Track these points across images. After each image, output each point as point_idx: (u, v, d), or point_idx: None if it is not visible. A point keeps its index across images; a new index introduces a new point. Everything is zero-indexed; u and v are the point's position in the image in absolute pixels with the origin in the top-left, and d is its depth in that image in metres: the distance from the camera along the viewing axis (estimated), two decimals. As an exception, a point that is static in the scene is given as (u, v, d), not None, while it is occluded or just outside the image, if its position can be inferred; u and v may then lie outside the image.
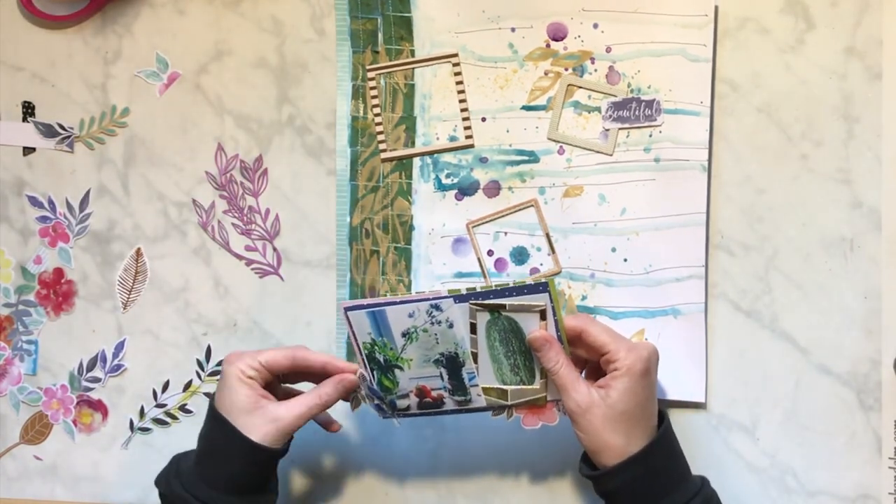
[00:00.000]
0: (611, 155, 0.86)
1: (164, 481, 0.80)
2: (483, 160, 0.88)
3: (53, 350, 0.95)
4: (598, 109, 0.86)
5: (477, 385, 0.80)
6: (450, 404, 0.81)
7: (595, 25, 0.86)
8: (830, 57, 0.84)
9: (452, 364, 0.79)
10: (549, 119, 0.87)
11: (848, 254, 0.84)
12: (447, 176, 0.89)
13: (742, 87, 0.85)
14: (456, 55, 0.88)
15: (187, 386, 0.93)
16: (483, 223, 0.88)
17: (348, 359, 0.89)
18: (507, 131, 0.88)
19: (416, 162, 0.89)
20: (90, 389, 0.94)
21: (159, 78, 0.93)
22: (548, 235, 0.88)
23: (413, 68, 0.89)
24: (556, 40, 0.87)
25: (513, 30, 0.87)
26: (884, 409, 0.84)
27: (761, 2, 0.85)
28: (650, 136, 0.85)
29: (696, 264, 0.85)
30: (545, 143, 0.87)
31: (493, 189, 0.88)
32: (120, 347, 0.94)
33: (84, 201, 0.94)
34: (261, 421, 0.78)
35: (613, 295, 0.87)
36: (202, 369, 0.93)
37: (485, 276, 0.88)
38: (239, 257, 0.92)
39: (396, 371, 0.80)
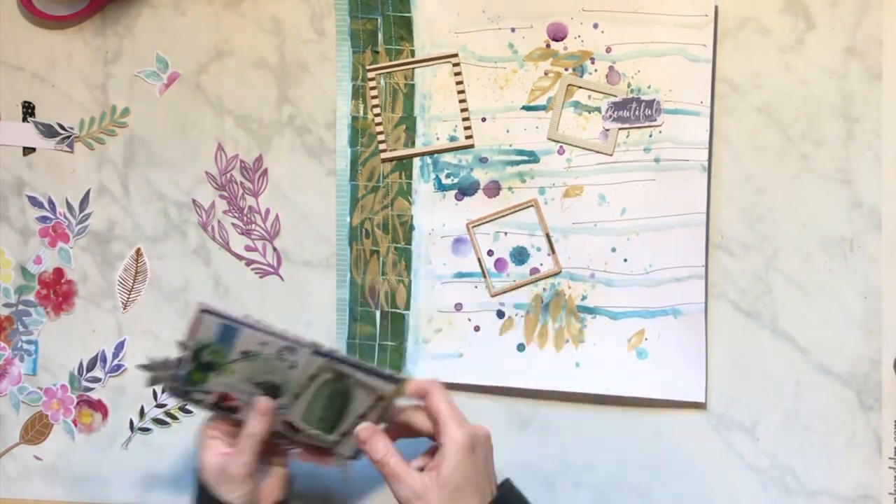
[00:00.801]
0: (611, 155, 0.86)
1: None
2: (483, 160, 0.88)
3: (53, 350, 0.95)
4: (599, 109, 0.86)
5: (281, 416, 0.79)
6: (243, 415, 0.79)
7: (595, 25, 0.86)
8: (830, 57, 0.84)
9: (271, 392, 0.79)
10: (549, 119, 0.87)
11: (848, 254, 0.84)
12: (447, 176, 0.89)
13: (742, 87, 0.85)
14: (456, 55, 0.88)
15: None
16: (483, 223, 0.89)
17: (348, 352, 0.89)
18: (507, 131, 0.88)
19: (416, 162, 0.89)
20: (90, 389, 0.94)
21: (159, 78, 0.93)
22: (548, 235, 0.88)
23: (413, 68, 0.89)
24: (556, 40, 0.87)
25: (513, 30, 0.87)
26: (884, 409, 0.84)
27: (761, 2, 0.85)
28: (650, 136, 0.85)
29: (696, 264, 0.85)
30: (545, 143, 0.87)
31: (493, 189, 0.88)
32: (120, 347, 0.94)
33: (84, 201, 0.94)
34: (225, 483, 0.78)
35: (613, 295, 0.87)
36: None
37: (485, 276, 0.88)
38: (239, 257, 0.92)
39: (212, 374, 0.78)
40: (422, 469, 0.77)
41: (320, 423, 0.80)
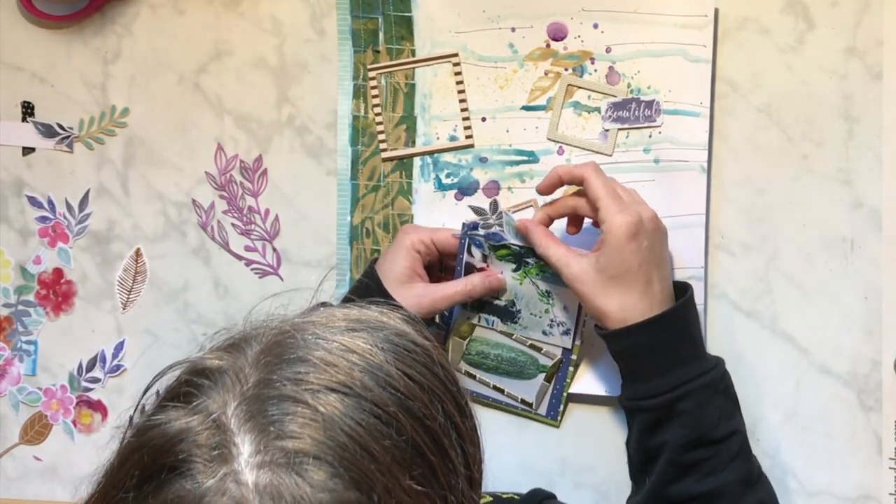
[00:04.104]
0: (610, 155, 0.86)
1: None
2: (483, 160, 0.88)
3: (53, 350, 0.95)
4: (598, 110, 0.86)
5: (514, 333, 0.85)
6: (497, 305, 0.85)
7: (595, 25, 0.86)
8: (831, 57, 0.84)
9: (513, 308, 0.84)
10: (548, 119, 0.87)
11: (848, 254, 0.84)
12: (447, 176, 0.89)
13: (742, 87, 0.85)
14: (456, 55, 0.88)
15: (187, 386, 0.93)
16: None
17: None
18: (507, 131, 0.88)
19: (417, 161, 0.89)
20: (90, 390, 0.94)
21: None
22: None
23: (414, 68, 0.89)
24: (557, 40, 0.87)
25: (513, 30, 0.87)
26: (884, 409, 0.84)
27: (761, 2, 0.84)
28: (650, 136, 0.85)
29: (696, 265, 0.85)
30: (545, 144, 0.87)
31: (493, 189, 0.88)
32: (119, 348, 0.94)
33: (83, 201, 0.94)
34: (408, 293, 0.81)
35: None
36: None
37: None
38: (239, 257, 0.92)
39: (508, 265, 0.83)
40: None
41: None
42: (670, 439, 0.76)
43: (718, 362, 0.79)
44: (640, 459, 0.79)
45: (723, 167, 0.85)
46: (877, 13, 0.83)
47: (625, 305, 0.76)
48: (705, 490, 0.75)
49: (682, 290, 0.80)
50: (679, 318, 0.78)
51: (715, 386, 0.77)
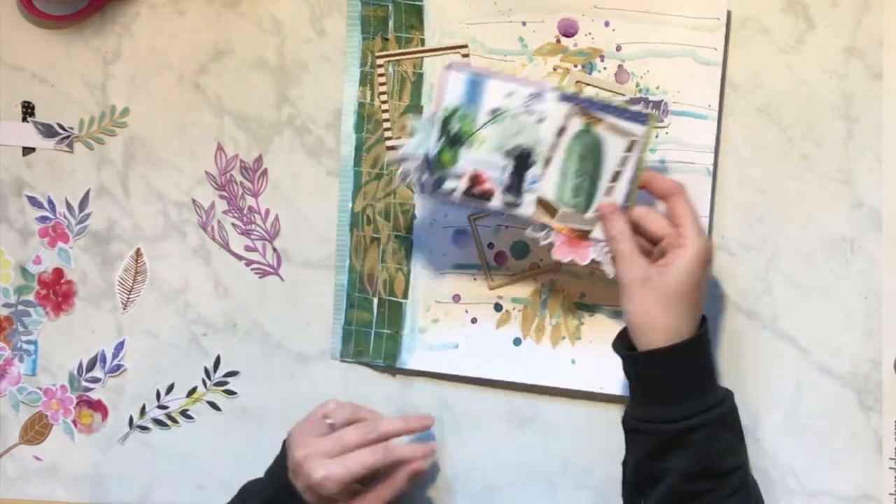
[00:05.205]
0: (616, 154, 0.86)
1: None
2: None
3: (53, 350, 0.95)
4: (606, 108, 0.86)
5: (533, 192, 0.79)
6: (496, 202, 0.79)
7: (606, 23, 0.86)
8: (831, 57, 0.84)
9: (522, 160, 0.79)
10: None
11: (848, 254, 0.84)
12: (450, 169, 0.89)
13: (742, 87, 0.85)
14: (466, 46, 0.88)
15: (191, 391, 0.93)
16: (485, 216, 0.88)
17: (343, 339, 0.89)
18: (512, 127, 0.88)
19: (421, 152, 0.89)
20: (90, 390, 0.94)
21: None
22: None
23: (422, 57, 0.89)
24: (567, 36, 0.87)
25: (524, 23, 0.87)
26: (884, 409, 0.84)
27: (761, 2, 0.84)
28: (656, 137, 0.85)
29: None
30: (550, 140, 0.87)
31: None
32: (119, 348, 0.94)
33: (84, 201, 0.94)
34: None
35: (612, 293, 0.86)
36: (209, 377, 0.93)
37: (486, 270, 0.88)
38: (239, 257, 0.92)
39: (461, 149, 0.78)
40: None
41: (574, 195, 0.79)
42: (675, 467, 0.75)
43: (728, 395, 0.78)
44: (639, 482, 0.78)
45: (723, 167, 0.85)
46: (877, 13, 0.83)
47: (679, 322, 0.75)
48: None
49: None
50: (703, 346, 0.78)
51: (725, 419, 0.77)
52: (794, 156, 0.85)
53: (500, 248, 0.88)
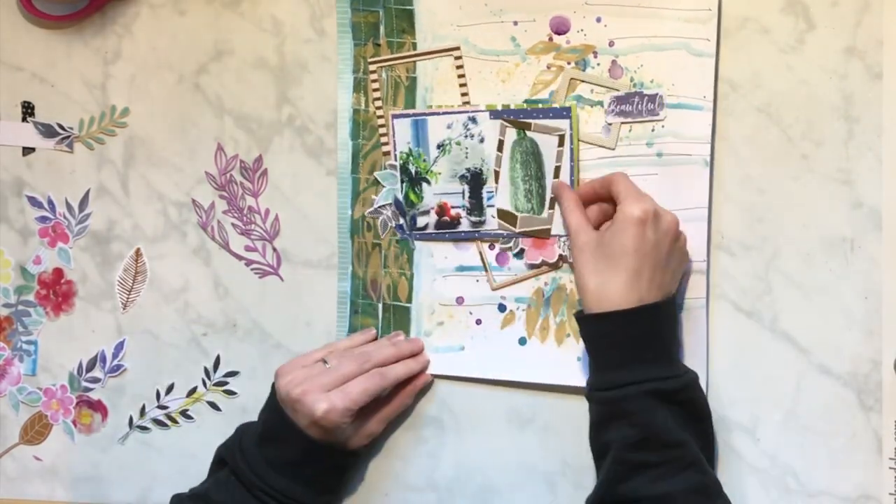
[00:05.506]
0: (613, 149, 0.86)
1: (230, 453, 0.83)
2: (483, 159, 0.88)
3: (53, 350, 0.95)
4: (601, 104, 0.86)
5: (493, 206, 0.86)
6: (465, 225, 0.87)
7: (598, 19, 0.86)
8: (830, 57, 0.84)
9: (475, 181, 0.86)
10: (549, 118, 0.87)
11: (848, 254, 0.84)
12: (447, 174, 0.89)
13: (742, 87, 0.85)
14: (458, 48, 0.88)
15: (191, 392, 0.93)
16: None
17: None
18: (508, 129, 0.88)
19: (417, 161, 0.89)
20: (90, 390, 0.94)
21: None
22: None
23: (415, 61, 0.89)
24: (559, 34, 0.87)
25: (515, 23, 0.87)
26: (884, 409, 0.84)
27: (761, 2, 0.84)
28: (652, 130, 0.85)
29: (698, 259, 0.85)
30: (546, 141, 0.87)
31: (494, 188, 0.88)
32: (119, 348, 0.94)
33: (83, 201, 0.94)
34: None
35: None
36: (209, 378, 0.93)
37: (486, 271, 0.88)
38: (239, 257, 0.92)
39: (424, 185, 0.86)
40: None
41: (527, 199, 0.85)
42: (616, 438, 0.76)
43: (685, 373, 0.78)
44: (595, 457, 0.79)
45: (723, 167, 0.85)
46: (877, 13, 0.83)
47: (605, 287, 0.76)
48: (655, 493, 0.75)
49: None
50: (651, 318, 0.77)
51: (667, 396, 0.76)
52: (793, 156, 0.85)
53: (500, 249, 0.88)
